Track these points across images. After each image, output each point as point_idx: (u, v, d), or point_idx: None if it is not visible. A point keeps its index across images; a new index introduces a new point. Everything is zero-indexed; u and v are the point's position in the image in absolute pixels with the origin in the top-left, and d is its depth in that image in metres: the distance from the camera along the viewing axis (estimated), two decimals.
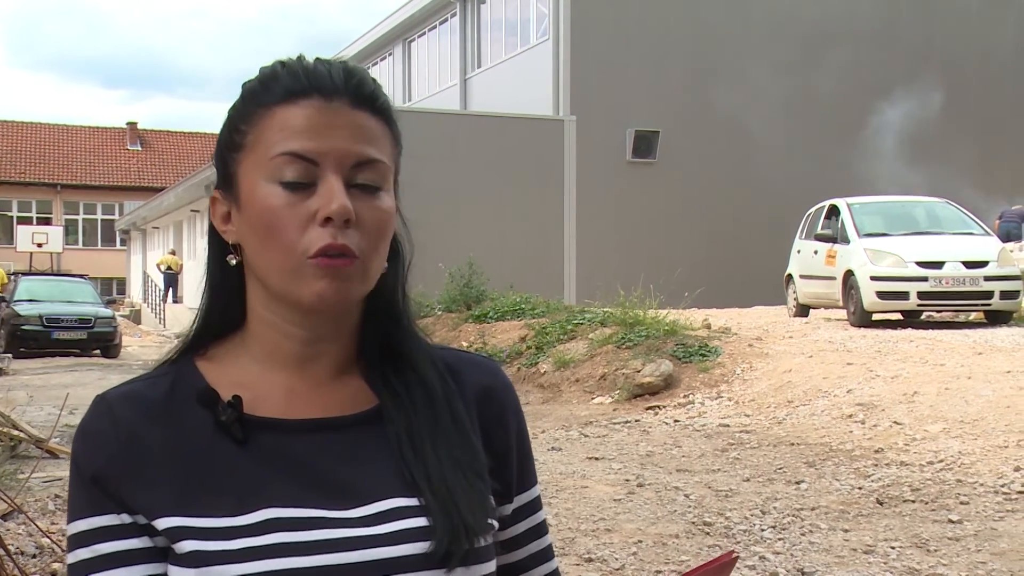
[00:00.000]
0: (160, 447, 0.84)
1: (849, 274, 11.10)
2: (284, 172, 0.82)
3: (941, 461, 5.74)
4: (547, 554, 0.97)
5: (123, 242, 38.44)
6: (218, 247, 0.90)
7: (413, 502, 0.84)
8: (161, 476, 0.83)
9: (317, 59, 0.87)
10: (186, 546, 0.80)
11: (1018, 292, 10.87)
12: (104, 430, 0.84)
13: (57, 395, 9.05)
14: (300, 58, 0.87)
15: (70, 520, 0.84)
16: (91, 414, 0.86)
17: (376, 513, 0.83)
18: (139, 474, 0.83)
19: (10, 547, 3.82)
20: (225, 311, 0.91)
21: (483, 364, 0.97)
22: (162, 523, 0.81)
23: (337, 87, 0.84)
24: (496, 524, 0.89)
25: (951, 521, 4.67)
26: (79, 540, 0.83)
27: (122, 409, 0.85)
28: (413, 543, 0.82)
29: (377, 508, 0.84)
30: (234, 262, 0.88)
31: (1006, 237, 15.11)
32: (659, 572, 4.10)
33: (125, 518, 0.82)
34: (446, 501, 0.84)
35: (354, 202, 0.82)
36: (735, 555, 0.88)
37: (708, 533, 4.61)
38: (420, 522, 0.83)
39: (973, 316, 11.68)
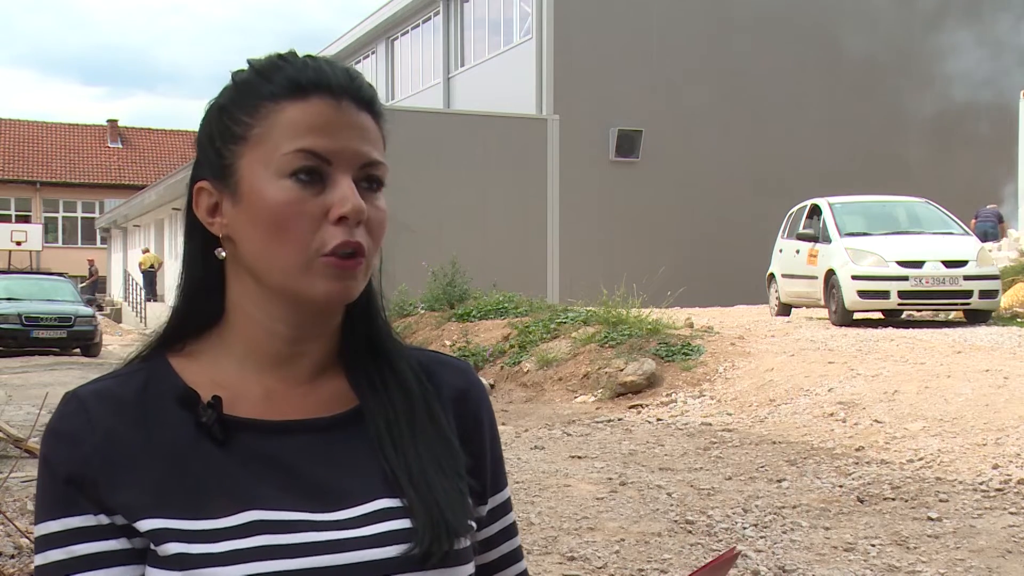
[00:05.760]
0: (138, 447, 0.83)
1: (831, 273, 11.17)
2: (297, 168, 0.82)
3: (921, 459, 5.78)
4: (518, 554, 0.98)
5: (103, 240, 38.16)
6: (201, 240, 0.88)
7: (396, 503, 0.84)
8: (141, 476, 0.82)
9: (308, 55, 0.87)
10: (170, 548, 0.79)
11: (997, 291, 10.98)
12: (79, 428, 0.83)
13: (36, 394, 8.97)
14: (294, 53, 0.87)
15: (40, 521, 0.82)
16: (62, 412, 0.84)
17: (360, 515, 0.83)
18: (118, 474, 0.81)
19: None
20: (205, 307, 0.89)
21: (456, 365, 0.97)
22: (145, 524, 0.80)
23: (343, 86, 0.85)
24: (475, 525, 0.89)
25: (930, 519, 4.71)
26: (51, 541, 0.81)
27: (96, 407, 0.83)
28: (397, 545, 0.82)
29: (361, 510, 0.83)
30: (223, 255, 0.87)
31: (983, 237, 15.25)
32: (641, 570, 4.11)
33: (102, 519, 0.81)
34: (427, 499, 0.84)
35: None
36: (737, 551, 0.89)
37: (690, 531, 4.63)
38: (404, 523, 0.83)
39: (953, 315, 11.77)
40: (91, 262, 32.82)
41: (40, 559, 0.82)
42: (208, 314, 0.90)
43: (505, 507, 0.97)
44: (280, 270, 0.83)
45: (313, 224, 0.82)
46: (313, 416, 0.88)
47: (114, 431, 0.83)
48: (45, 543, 0.82)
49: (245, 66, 0.88)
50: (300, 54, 0.87)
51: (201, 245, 0.88)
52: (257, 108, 0.84)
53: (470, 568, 0.87)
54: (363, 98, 0.86)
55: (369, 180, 0.85)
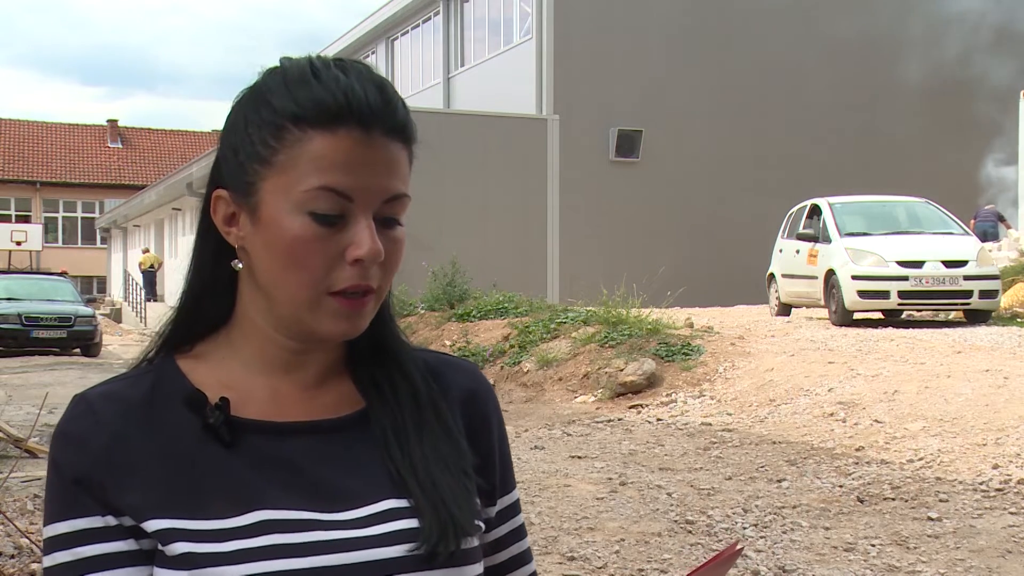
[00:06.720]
0: (146, 448, 0.83)
1: (831, 273, 11.17)
2: (317, 205, 0.81)
3: (921, 459, 5.78)
4: (527, 556, 0.98)
5: (103, 240, 38.16)
6: (214, 244, 0.88)
7: (404, 503, 0.85)
8: (149, 477, 0.82)
9: (341, 65, 0.84)
10: (178, 548, 0.79)
11: (997, 291, 10.98)
12: (86, 430, 0.83)
13: (36, 394, 8.97)
14: (327, 64, 0.83)
15: (48, 522, 0.83)
16: (71, 414, 0.84)
17: (368, 515, 0.83)
18: (126, 475, 0.82)
19: None
20: (213, 310, 0.89)
21: (463, 367, 0.97)
22: (152, 525, 0.80)
23: (375, 114, 0.82)
24: (483, 525, 0.90)
25: (930, 519, 4.71)
26: (58, 543, 0.81)
27: (104, 409, 0.84)
28: (405, 544, 0.82)
29: (369, 510, 0.84)
30: (239, 267, 0.86)
31: (983, 237, 15.26)
32: (641, 570, 4.11)
33: (110, 520, 0.81)
34: (434, 498, 0.85)
35: (379, 237, 0.82)
36: (740, 546, 0.89)
37: (690, 531, 4.63)
38: (411, 523, 0.83)
39: (953, 315, 11.77)
40: (64, 272, 32.49)
41: (48, 560, 0.82)
42: (216, 316, 0.90)
43: (514, 508, 0.97)
44: (288, 301, 0.83)
45: (328, 262, 0.82)
46: (320, 418, 0.88)
47: (121, 433, 0.83)
48: (53, 545, 0.82)
49: (277, 64, 0.85)
50: (332, 63, 0.84)
51: (214, 249, 0.88)
52: (284, 132, 0.82)
53: (478, 568, 0.87)
54: (396, 125, 0.83)
55: (391, 213, 0.84)
